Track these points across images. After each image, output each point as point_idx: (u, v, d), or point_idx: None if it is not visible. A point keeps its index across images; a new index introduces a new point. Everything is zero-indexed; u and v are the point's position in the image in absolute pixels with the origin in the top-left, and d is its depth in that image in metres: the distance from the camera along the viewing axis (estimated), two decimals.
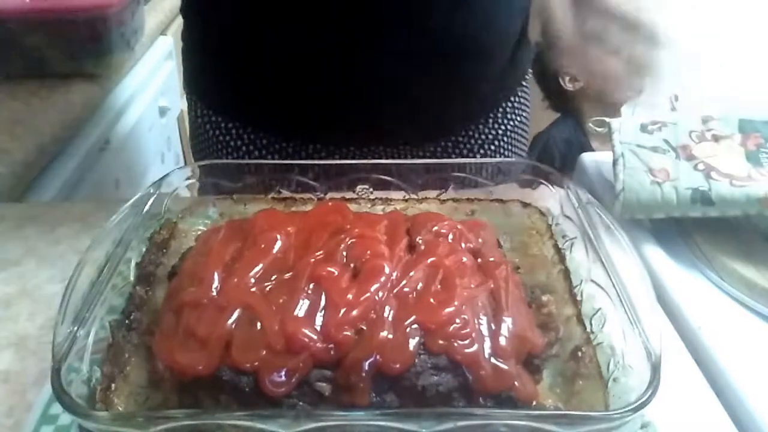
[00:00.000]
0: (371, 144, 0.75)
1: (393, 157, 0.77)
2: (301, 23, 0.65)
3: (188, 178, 0.55)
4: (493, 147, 0.80)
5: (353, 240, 0.47)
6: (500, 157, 0.81)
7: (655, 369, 0.36)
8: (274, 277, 0.44)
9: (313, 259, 0.44)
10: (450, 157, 0.78)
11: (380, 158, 0.77)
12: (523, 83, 0.83)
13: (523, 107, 0.83)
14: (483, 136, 0.79)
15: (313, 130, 0.75)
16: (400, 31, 0.65)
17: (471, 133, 0.78)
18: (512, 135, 0.81)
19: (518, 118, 0.82)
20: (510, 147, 0.82)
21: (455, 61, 0.69)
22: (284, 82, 0.71)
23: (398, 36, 0.65)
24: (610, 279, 0.43)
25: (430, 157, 0.78)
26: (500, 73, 0.76)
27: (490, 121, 0.79)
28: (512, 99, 0.81)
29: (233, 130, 0.77)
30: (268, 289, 0.43)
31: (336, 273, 0.43)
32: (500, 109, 0.80)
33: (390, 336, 0.39)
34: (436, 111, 0.73)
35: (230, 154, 0.77)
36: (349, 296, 0.41)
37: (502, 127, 0.80)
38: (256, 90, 0.73)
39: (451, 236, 0.49)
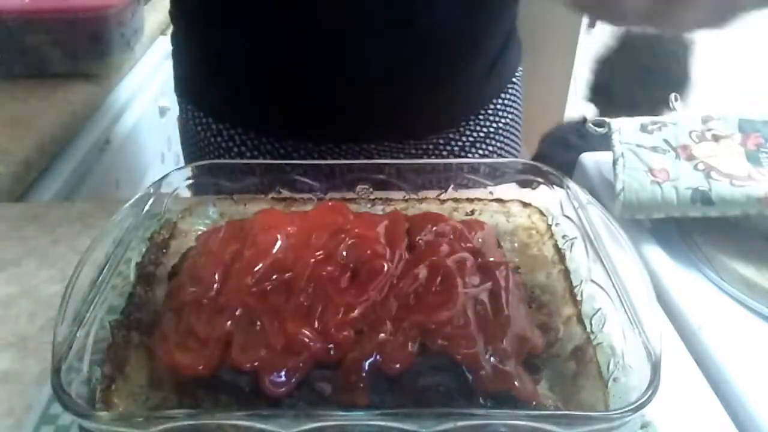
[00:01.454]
0: (360, 142, 0.75)
1: (381, 155, 0.77)
2: (287, 24, 0.65)
3: (188, 178, 0.55)
4: (484, 145, 0.79)
5: (353, 240, 0.47)
6: (493, 155, 0.81)
7: (655, 369, 0.36)
8: (274, 277, 0.44)
9: (313, 259, 0.44)
10: (442, 155, 0.78)
11: (369, 156, 0.76)
12: (514, 80, 0.82)
13: (514, 105, 0.83)
14: (475, 134, 0.79)
15: (302, 129, 0.74)
16: (383, 28, 0.64)
17: (462, 129, 0.78)
18: (503, 133, 0.81)
19: (509, 116, 0.82)
20: (502, 145, 0.81)
21: (439, 56, 0.69)
22: (271, 83, 0.71)
23: (382, 32, 0.65)
24: (610, 279, 0.43)
25: (421, 155, 0.78)
26: (488, 69, 0.76)
27: (480, 118, 0.79)
28: (502, 96, 0.80)
29: (224, 131, 0.76)
30: (268, 289, 0.43)
31: (336, 273, 0.43)
32: (490, 107, 0.79)
33: (390, 336, 0.39)
34: (425, 107, 0.73)
35: (222, 157, 0.77)
36: (349, 296, 0.41)
37: (493, 125, 0.80)
38: (246, 91, 0.73)
39: (451, 236, 0.49)
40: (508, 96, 0.81)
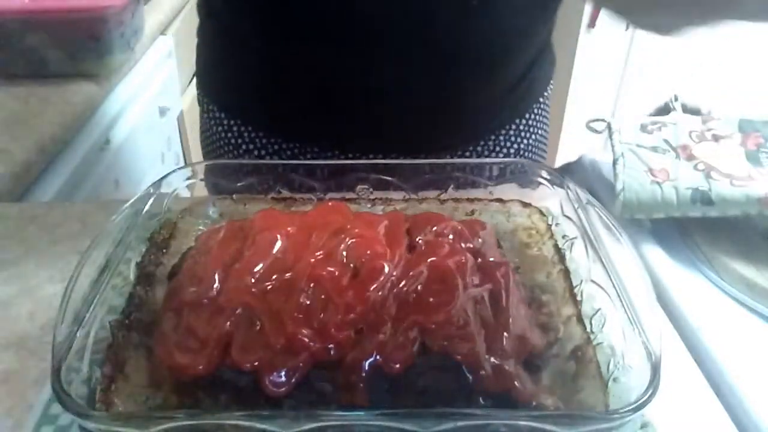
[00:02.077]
0: (368, 153, 0.73)
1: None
2: (311, 34, 0.65)
3: (188, 178, 0.55)
4: None
5: (353, 240, 0.47)
6: None
7: (655, 369, 0.36)
8: (274, 277, 0.44)
9: (312, 259, 0.44)
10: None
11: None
12: (541, 99, 0.79)
13: (539, 125, 0.80)
14: (493, 155, 0.77)
15: (313, 135, 0.74)
16: (404, 42, 0.64)
17: (480, 149, 0.77)
18: (526, 155, 0.79)
19: (533, 136, 0.79)
20: None
21: (459, 74, 0.67)
22: (289, 85, 0.71)
23: (401, 47, 0.64)
24: (610, 279, 0.43)
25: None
26: (512, 89, 0.73)
27: (501, 138, 0.77)
28: (527, 116, 0.77)
29: (234, 127, 0.77)
30: (268, 289, 0.43)
31: (336, 273, 0.43)
32: (512, 128, 0.77)
33: (390, 336, 0.39)
34: (442, 124, 0.72)
35: (232, 152, 0.77)
36: (349, 296, 0.41)
37: (515, 146, 0.77)
38: (261, 90, 0.73)
39: (451, 236, 0.49)
40: (533, 116, 0.78)
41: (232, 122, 0.77)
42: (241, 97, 0.76)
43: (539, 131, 0.80)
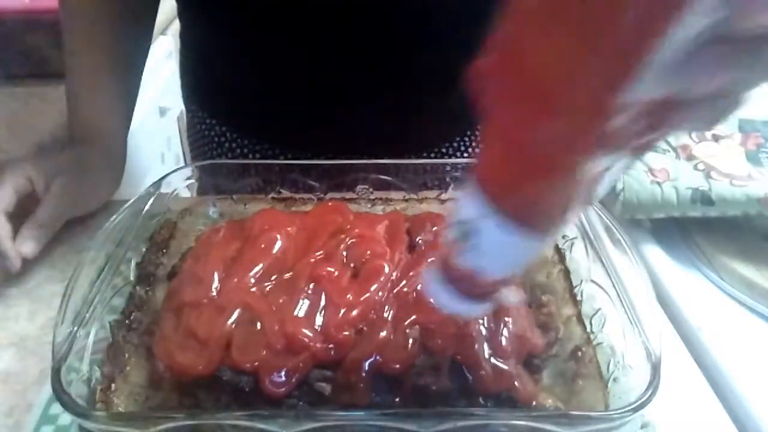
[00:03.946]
0: (354, 154, 0.72)
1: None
2: (287, 37, 0.64)
3: (188, 178, 0.55)
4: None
5: (353, 240, 0.47)
6: None
7: (655, 369, 0.36)
8: (274, 277, 0.44)
9: (313, 259, 0.44)
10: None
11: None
12: None
13: None
14: (467, 153, 0.76)
15: (296, 140, 0.73)
16: (371, 43, 0.63)
17: (456, 145, 0.75)
18: None
19: None
20: None
21: (427, 71, 0.65)
22: (275, 94, 0.70)
23: (369, 48, 0.63)
24: (610, 279, 0.43)
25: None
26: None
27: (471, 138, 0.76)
28: None
29: (227, 132, 0.76)
30: (268, 289, 0.43)
31: (336, 273, 0.43)
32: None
33: (390, 336, 0.39)
34: (419, 122, 0.71)
35: (223, 156, 0.77)
36: (349, 296, 0.41)
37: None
38: (243, 97, 0.72)
39: None
40: None
41: (213, 122, 0.76)
42: (218, 99, 0.76)
43: None
